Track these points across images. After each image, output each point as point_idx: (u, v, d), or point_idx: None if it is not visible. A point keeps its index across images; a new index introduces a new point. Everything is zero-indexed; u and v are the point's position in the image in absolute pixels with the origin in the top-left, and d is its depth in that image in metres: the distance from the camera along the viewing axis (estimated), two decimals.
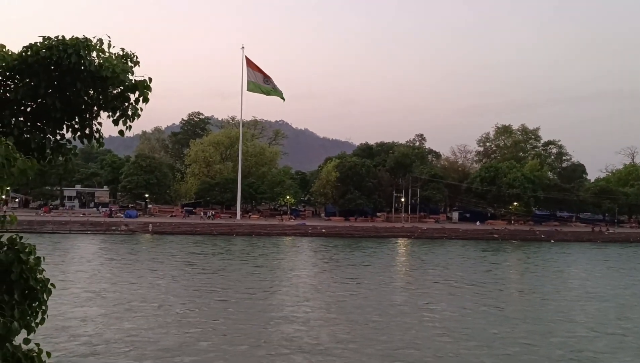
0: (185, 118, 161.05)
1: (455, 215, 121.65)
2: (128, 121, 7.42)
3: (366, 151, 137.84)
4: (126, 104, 7.36)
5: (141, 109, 7.38)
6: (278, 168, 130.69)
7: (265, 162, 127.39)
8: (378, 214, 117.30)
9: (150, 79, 7.27)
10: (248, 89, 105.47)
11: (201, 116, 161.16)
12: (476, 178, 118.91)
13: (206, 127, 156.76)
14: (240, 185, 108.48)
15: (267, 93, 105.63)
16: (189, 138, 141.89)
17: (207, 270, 51.43)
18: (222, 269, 52.72)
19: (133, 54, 7.44)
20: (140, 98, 7.35)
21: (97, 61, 7.12)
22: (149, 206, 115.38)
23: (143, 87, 7.29)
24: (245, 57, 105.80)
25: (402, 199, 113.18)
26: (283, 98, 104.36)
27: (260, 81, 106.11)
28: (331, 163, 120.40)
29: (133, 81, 7.28)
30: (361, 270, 54.04)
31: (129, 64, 7.36)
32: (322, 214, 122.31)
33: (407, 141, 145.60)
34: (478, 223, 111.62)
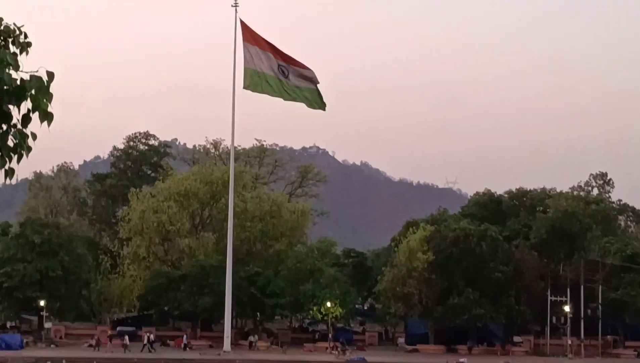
0: (121, 146, 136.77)
1: None
2: (8, 159, 6.09)
3: (489, 208, 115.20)
4: (4, 126, 6.06)
5: (34, 137, 6.07)
6: (308, 244, 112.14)
7: (283, 231, 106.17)
8: (517, 338, 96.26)
9: (51, 76, 5.95)
10: (245, 86, 79.07)
11: (152, 142, 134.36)
12: None
13: (162, 162, 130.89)
14: (232, 279, 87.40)
15: (284, 95, 76.39)
16: (128, 185, 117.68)
17: None
18: None
19: (18, 28, 6.19)
20: (32, 114, 6.05)
21: None
22: (47, 324, 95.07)
23: (38, 92, 5.86)
24: (241, 21, 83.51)
25: (567, 308, 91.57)
26: (323, 106, 76.20)
27: (272, 70, 76.82)
28: (418, 233, 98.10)
29: (18, 82, 5.99)
30: None
31: (11, 48, 6.06)
32: (401, 339, 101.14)
33: (572, 188, 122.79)
34: None
